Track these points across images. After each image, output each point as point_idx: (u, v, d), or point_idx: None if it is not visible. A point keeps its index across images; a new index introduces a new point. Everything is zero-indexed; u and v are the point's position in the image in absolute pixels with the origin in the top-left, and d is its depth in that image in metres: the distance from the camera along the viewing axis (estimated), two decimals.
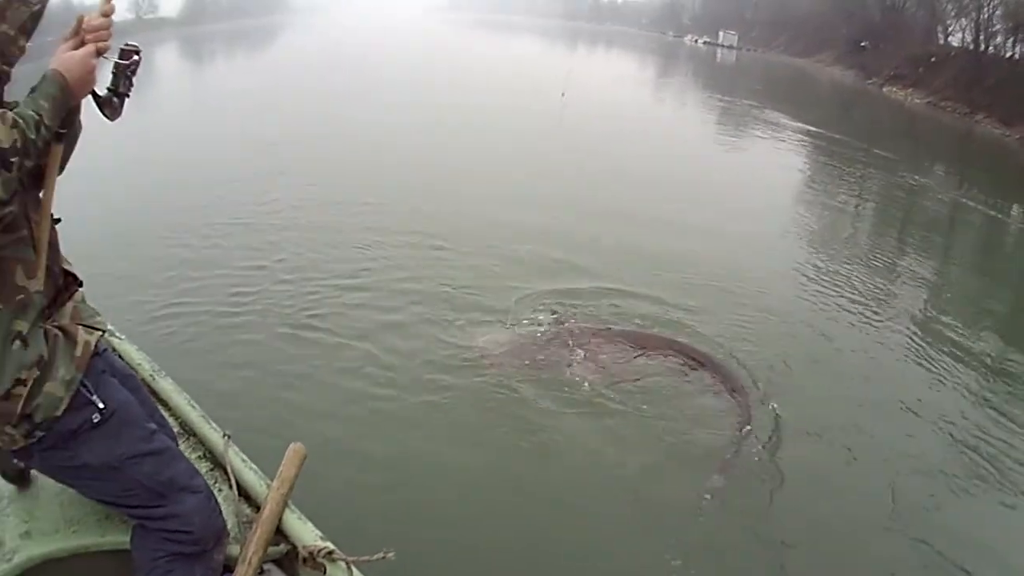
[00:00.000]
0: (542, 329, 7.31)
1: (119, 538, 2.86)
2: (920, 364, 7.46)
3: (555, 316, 7.59)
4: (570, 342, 7.04)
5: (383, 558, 2.56)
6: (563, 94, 20.09)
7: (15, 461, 2.82)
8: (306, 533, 2.82)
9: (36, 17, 2.28)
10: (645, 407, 6.09)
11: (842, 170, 16.15)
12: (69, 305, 2.58)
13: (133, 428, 2.59)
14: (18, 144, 2.05)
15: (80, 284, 2.60)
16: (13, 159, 2.05)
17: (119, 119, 2.51)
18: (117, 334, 4.03)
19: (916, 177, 16.76)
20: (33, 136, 2.11)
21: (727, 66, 36.42)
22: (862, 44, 39.27)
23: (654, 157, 15.37)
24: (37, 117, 2.15)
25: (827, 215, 13.31)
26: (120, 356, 3.75)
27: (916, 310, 8.87)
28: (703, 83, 31.14)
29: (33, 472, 2.98)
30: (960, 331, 8.35)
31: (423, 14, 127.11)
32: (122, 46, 2.48)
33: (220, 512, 2.78)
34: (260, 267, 8.76)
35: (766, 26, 56.67)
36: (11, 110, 2.11)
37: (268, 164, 13.26)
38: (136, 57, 2.51)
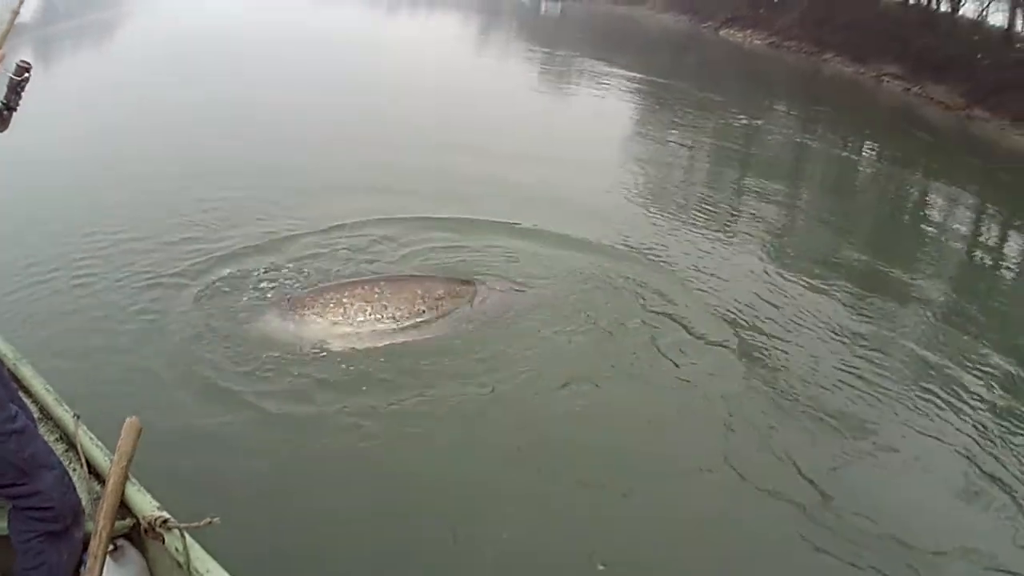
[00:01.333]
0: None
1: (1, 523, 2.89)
2: (760, 303, 7.07)
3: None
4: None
5: (209, 523, 2.60)
6: None
7: None
8: (145, 504, 2.84)
9: None
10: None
11: (672, 116, 14.83)
12: None
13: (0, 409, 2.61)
14: None
15: None
16: None
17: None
18: None
19: (755, 119, 15.67)
20: None
21: (551, 19, 35.17)
22: None
23: (463, 118, 13.61)
24: None
25: (655, 164, 12.09)
26: None
27: (760, 251, 8.46)
28: (527, 37, 29.55)
29: None
30: (806, 272, 7.91)
31: None
32: (18, 62, 2.65)
33: (74, 489, 2.83)
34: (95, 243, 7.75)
35: None
36: None
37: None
38: (27, 74, 2.68)
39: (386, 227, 8.24)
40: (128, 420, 3.00)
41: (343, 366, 5.71)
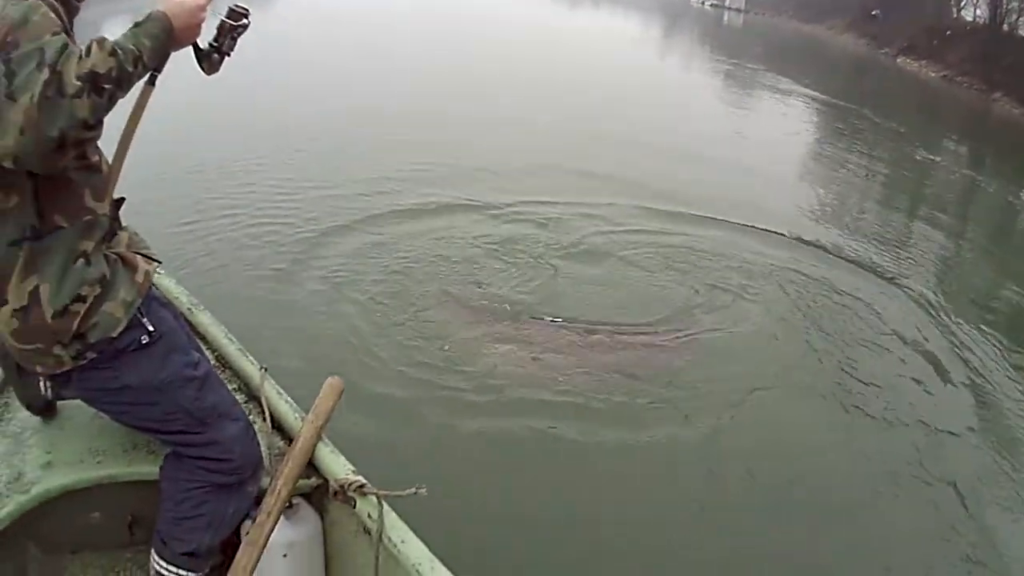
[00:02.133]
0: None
1: (145, 468, 2.84)
2: (920, 343, 6.99)
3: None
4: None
5: (415, 493, 2.54)
6: None
7: (45, 391, 2.77)
8: (338, 467, 2.80)
9: None
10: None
11: (851, 140, 15.15)
12: (123, 234, 2.59)
13: (179, 353, 2.57)
14: (113, 73, 2.01)
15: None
16: (107, 86, 1.99)
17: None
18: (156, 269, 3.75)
19: (929, 153, 15.83)
20: (130, 69, 2.09)
21: (734, 29, 35.52)
22: (873, 13, 37.87)
23: (651, 122, 14.21)
24: (137, 52, 2.12)
25: (834, 187, 12.35)
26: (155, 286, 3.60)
27: (922, 288, 8.29)
28: (709, 45, 30.14)
29: (60, 404, 2.96)
30: (963, 318, 7.78)
31: None
32: (231, 5, 2.49)
33: (258, 442, 2.80)
34: (288, 200, 8.56)
35: None
36: (109, 39, 2.08)
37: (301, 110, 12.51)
38: (246, 20, 2.53)
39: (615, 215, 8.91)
40: (330, 379, 3.02)
41: (553, 385, 5.58)
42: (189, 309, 3.68)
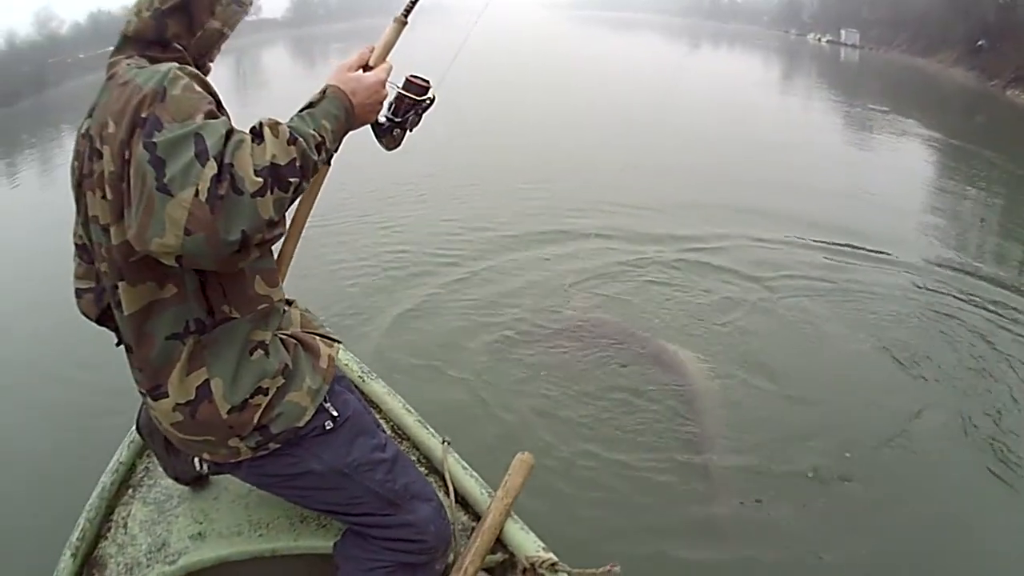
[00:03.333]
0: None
1: (317, 543, 2.69)
2: None
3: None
4: None
5: (608, 571, 2.41)
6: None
7: (200, 467, 2.64)
8: (528, 544, 2.68)
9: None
10: None
11: (967, 181, 15.15)
12: (295, 312, 2.44)
13: (366, 436, 2.43)
14: (298, 163, 1.79)
15: None
16: (292, 179, 1.76)
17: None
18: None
19: None
20: (315, 158, 1.86)
21: (851, 66, 35.58)
22: (979, 44, 37.37)
23: (780, 160, 14.97)
24: (319, 138, 1.90)
25: (947, 221, 11.93)
26: None
27: None
28: (828, 83, 30.90)
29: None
30: None
31: (547, 12, 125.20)
32: (409, 76, 2.26)
33: (449, 521, 2.66)
34: (456, 257, 8.74)
35: (886, 25, 54.65)
36: (284, 123, 1.85)
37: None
38: (430, 95, 2.27)
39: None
40: (519, 455, 2.92)
41: None
42: (361, 378, 3.55)
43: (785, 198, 11.77)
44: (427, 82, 2.26)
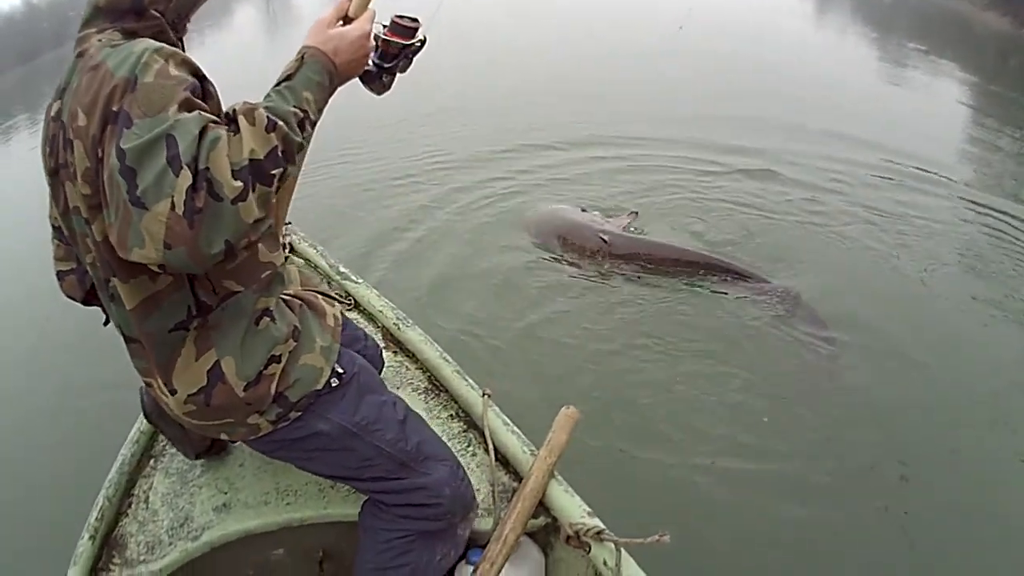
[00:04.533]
0: None
1: (345, 510, 2.60)
2: None
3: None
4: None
5: (657, 541, 2.26)
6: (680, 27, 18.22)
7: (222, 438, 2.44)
8: (573, 508, 2.55)
9: None
10: None
11: (998, 125, 14.27)
12: (292, 269, 2.33)
13: (374, 394, 2.35)
14: (279, 151, 1.64)
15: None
16: (274, 171, 1.62)
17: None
18: (353, 277, 3.70)
19: None
20: (298, 139, 1.72)
21: (884, 4, 35.07)
22: None
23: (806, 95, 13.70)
24: (301, 113, 1.75)
25: (979, 166, 10.81)
26: (357, 302, 3.56)
27: None
28: (861, 20, 29.70)
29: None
30: None
31: None
32: (395, 17, 2.09)
33: (469, 483, 2.52)
34: (502, 197, 8.25)
35: None
36: (262, 105, 1.70)
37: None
38: (420, 36, 2.10)
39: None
40: (564, 410, 2.71)
41: None
42: (396, 324, 3.40)
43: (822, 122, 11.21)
44: (415, 21, 2.11)
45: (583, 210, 7.27)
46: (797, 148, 9.67)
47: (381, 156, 9.54)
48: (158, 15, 1.82)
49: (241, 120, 1.62)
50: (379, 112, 9.81)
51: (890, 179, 8.99)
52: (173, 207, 1.48)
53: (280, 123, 1.66)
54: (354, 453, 2.26)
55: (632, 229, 7.12)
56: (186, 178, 1.48)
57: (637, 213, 7.15)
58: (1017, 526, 4.15)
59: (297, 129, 1.71)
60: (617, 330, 5.83)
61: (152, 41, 1.68)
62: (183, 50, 1.82)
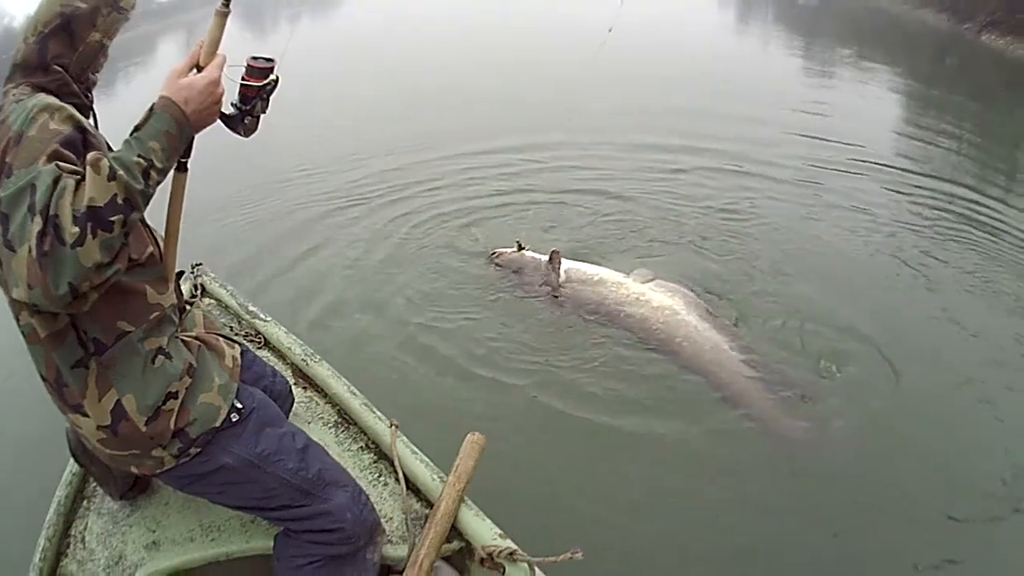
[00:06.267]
0: None
1: (267, 543, 2.61)
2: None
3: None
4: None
5: (570, 558, 2.34)
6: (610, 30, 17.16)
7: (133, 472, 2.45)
8: (485, 531, 2.59)
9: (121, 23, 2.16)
10: None
11: (932, 123, 13.57)
12: (197, 312, 2.47)
13: (273, 426, 2.42)
14: (119, 200, 1.73)
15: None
16: (113, 218, 1.71)
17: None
18: (262, 315, 3.82)
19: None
20: (139, 187, 1.79)
21: (809, 9, 33.80)
22: None
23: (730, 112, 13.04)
24: (145, 163, 1.82)
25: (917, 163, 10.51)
26: (266, 340, 3.66)
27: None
28: (786, 27, 28.80)
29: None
30: None
31: None
32: (249, 60, 2.19)
33: (371, 507, 2.59)
34: (403, 236, 8.13)
35: None
36: (109, 156, 1.79)
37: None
38: (273, 77, 2.19)
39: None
40: (470, 436, 2.79)
41: None
42: (304, 360, 3.44)
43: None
44: (270, 61, 2.18)
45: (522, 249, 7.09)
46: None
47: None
48: (60, 70, 2.05)
49: (88, 170, 1.72)
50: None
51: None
52: (30, 250, 1.65)
53: (121, 172, 1.74)
54: (258, 484, 2.32)
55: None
56: (38, 223, 1.65)
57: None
58: None
59: (140, 178, 1.78)
60: (521, 352, 5.82)
61: (45, 97, 1.92)
62: (90, 99, 2.15)
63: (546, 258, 6.67)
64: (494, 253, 7.14)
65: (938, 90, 17.40)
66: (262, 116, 2.21)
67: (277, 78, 2.19)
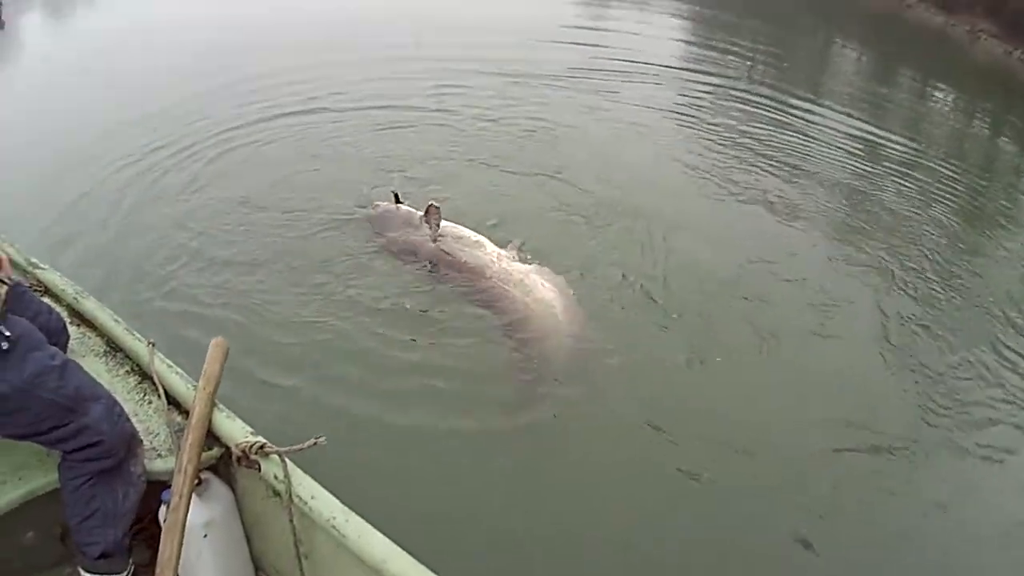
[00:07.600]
0: None
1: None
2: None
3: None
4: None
5: (314, 444, 2.43)
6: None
7: None
8: (236, 431, 2.66)
9: None
10: None
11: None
12: None
13: (37, 351, 2.47)
14: None
15: None
16: None
17: None
18: (40, 264, 3.85)
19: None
20: None
21: None
22: None
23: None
24: None
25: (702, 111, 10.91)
26: (42, 282, 3.69)
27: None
28: None
29: None
30: None
31: None
32: None
33: (127, 418, 2.66)
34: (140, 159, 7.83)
35: None
36: None
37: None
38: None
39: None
40: (214, 341, 2.82)
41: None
42: (75, 298, 3.54)
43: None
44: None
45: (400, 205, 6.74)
46: None
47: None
48: None
49: None
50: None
51: None
52: None
53: None
54: (31, 410, 2.40)
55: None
56: None
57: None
58: None
59: None
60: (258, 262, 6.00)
61: None
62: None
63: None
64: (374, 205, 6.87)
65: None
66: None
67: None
